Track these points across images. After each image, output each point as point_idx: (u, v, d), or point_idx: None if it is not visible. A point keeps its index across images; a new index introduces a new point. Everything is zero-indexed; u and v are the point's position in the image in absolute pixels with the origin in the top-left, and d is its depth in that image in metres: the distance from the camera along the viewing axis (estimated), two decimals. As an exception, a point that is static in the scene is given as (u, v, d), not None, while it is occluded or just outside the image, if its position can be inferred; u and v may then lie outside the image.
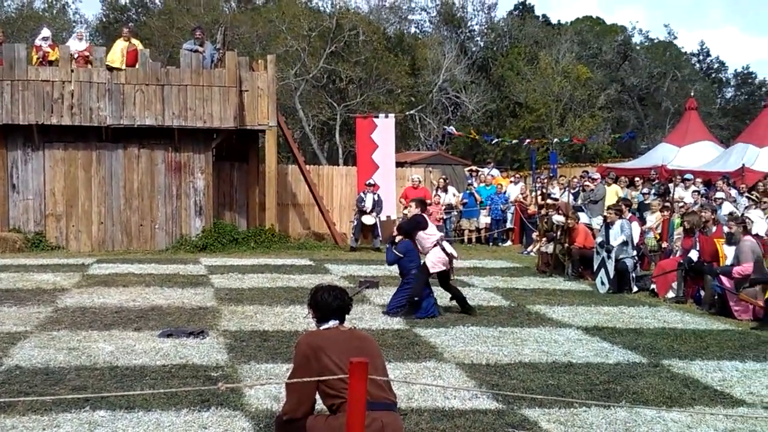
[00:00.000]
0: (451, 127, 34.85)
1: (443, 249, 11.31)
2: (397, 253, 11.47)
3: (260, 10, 45.05)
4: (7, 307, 11.24)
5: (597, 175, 21.73)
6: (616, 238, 14.30)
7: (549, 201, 19.86)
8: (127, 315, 10.87)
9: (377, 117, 22.70)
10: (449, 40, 47.25)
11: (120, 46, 19.72)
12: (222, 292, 13.11)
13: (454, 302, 11.78)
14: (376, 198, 20.81)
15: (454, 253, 11.55)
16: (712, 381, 8.16)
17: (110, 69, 19.19)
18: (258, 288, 13.59)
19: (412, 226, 11.47)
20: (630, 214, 16.34)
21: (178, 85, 19.42)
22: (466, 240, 23.09)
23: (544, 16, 56.31)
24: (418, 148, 42.48)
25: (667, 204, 17.19)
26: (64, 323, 10.22)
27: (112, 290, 12.96)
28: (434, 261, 11.27)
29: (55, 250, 19.17)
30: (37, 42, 19.81)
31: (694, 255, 13.06)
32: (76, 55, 19.41)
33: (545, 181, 22.72)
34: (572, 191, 20.03)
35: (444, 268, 11.35)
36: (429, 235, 11.40)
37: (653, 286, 13.93)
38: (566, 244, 16.06)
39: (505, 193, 23.43)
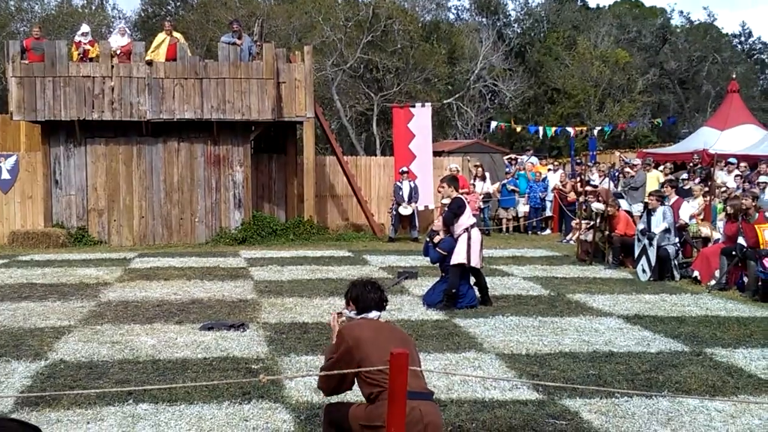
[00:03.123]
0: (495, 122, 34.60)
1: (469, 239, 11.05)
2: (441, 251, 11.31)
3: (296, 1, 45.15)
4: (51, 302, 11.43)
5: (637, 161, 21.47)
6: (658, 225, 14.15)
7: (588, 188, 19.68)
8: (169, 308, 10.99)
9: (414, 106, 22.65)
10: (486, 27, 46.99)
11: (161, 39, 19.89)
12: (262, 284, 13.20)
13: (503, 292, 11.59)
14: (413, 185, 20.80)
15: (477, 246, 11.14)
16: (756, 369, 8.04)
17: (149, 63, 19.34)
18: (297, 280, 13.66)
19: (454, 213, 11.11)
20: (676, 197, 16.14)
21: (217, 79, 19.54)
22: (504, 229, 22.99)
23: (582, 0, 55.77)
24: (455, 136, 42.34)
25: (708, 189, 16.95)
26: (106, 317, 10.36)
27: (154, 284, 13.12)
28: (458, 252, 10.99)
29: (98, 244, 19.46)
30: (77, 38, 20.03)
31: (742, 241, 12.84)
32: (118, 51, 19.62)
33: (584, 168, 22.53)
34: (610, 176, 19.85)
35: (465, 261, 11.01)
36: (461, 223, 11.09)
37: (695, 273, 13.75)
38: (606, 232, 15.92)
39: (543, 180, 23.27)
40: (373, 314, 5.42)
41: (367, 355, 5.04)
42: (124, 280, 13.51)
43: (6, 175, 20.04)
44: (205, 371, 7.77)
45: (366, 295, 5.43)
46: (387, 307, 5.60)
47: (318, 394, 6.85)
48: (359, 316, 5.44)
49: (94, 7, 46.95)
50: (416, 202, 20.83)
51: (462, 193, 11.96)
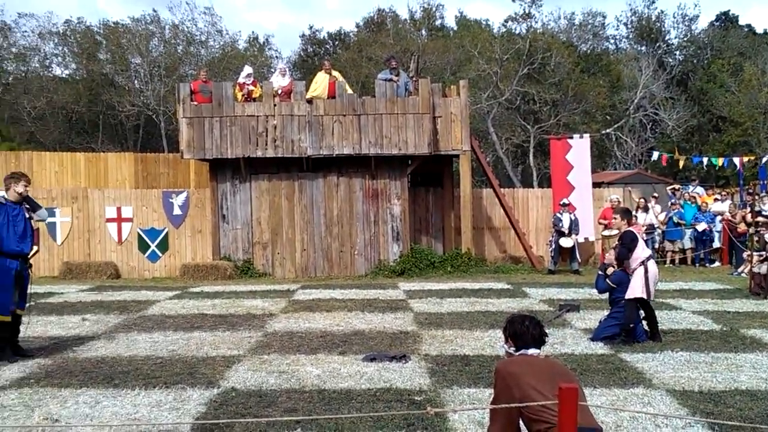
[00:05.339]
0: (657, 152, 33.47)
1: (646, 272, 10.78)
2: (610, 283, 11.07)
3: (450, 36, 45.59)
4: (221, 332, 11.85)
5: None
6: (838, 256, 13.29)
7: (760, 219, 18.76)
8: (332, 339, 11.17)
9: (572, 138, 22.32)
10: (646, 55, 45.89)
11: (321, 78, 20.48)
12: (421, 316, 13.23)
13: (671, 327, 11.20)
14: (573, 218, 20.43)
15: (656, 276, 10.90)
16: None
17: (310, 101, 19.94)
18: (457, 312, 13.62)
19: (628, 248, 10.83)
20: None
21: (374, 114, 19.90)
22: (668, 261, 22.18)
23: (748, 25, 53.61)
24: (615, 167, 41.41)
25: None
26: (273, 347, 10.63)
27: (317, 315, 13.39)
28: (634, 286, 10.74)
29: (262, 276, 20.09)
30: (241, 80, 20.91)
31: None
32: (279, 91, 20.34)
33: (755, 197, 21.50)
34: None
35: (642, 295, 10.70)
36: (636, 256, 10.85)
37: None
38: (782, 264, 15.10)
39: (709, 211, 22.34)
40: (532, 351, 5.34)
41: (527, 391, 4.96)
42: (289, 312, 13.85)
43: (177, 211, 21.07)
44: (369, 402, 7.83)
45: (524, 332, 5.36)
46: (549, 341, 5.49)
47: (482, 427, 6.78)
48: (518, 353, 5.36)
49: (256, 50, 49.04)
50: (577, 234, 20.44)
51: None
